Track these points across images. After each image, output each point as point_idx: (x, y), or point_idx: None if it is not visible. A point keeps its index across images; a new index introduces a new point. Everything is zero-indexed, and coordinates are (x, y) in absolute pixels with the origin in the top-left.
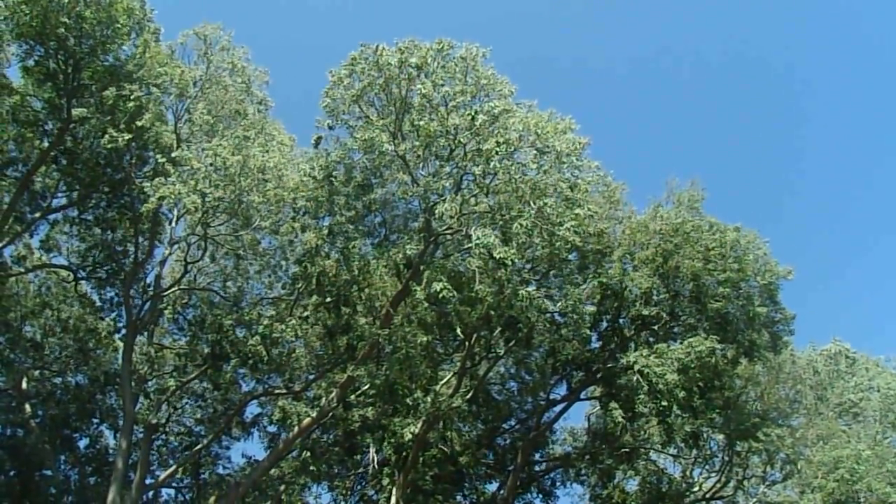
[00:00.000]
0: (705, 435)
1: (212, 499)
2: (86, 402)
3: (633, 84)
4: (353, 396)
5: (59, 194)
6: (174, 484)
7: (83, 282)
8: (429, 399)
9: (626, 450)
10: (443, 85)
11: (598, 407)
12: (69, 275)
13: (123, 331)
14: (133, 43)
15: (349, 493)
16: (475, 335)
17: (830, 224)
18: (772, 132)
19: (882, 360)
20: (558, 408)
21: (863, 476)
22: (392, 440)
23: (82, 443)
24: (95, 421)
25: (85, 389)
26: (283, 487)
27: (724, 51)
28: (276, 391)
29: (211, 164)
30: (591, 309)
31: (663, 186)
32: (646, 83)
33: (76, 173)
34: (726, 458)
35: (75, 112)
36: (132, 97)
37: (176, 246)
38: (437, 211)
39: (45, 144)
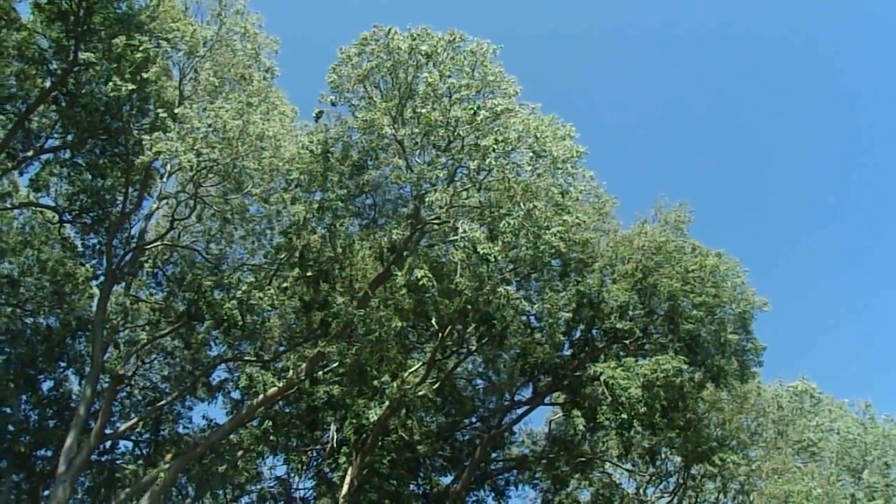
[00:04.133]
0: (663, 454)
1: (168, 456)
2: (55, 345)
3: (640, 102)
4: (320, 372)
5: (55, 135)
6: (133, 437)
7: (67, 225)
8: (395, 385)
9: (583, 459)
10: (449, 76)
11: (561, 413)
12: (54, 216)
13: (101, 278)
14: None
15: (305, 467)
16: (449, 328)
17: (822, 267)
18: (767, 168)
19: (846, 403)
20: (521, 410)
21: None
22: (354, 421)
23: (46, 385)
24: (62, 365)
25: (56, 332)
26: (240, 454)
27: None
28: (246, 358)
29: (210, 126)
30: (567, 316)
31: (653, 203)
32: (655, 102)
33: (74, 116)
34: (681, 480)
35: (82, 55)
36: (141, 48)
37: (164, 201)
38: (427, 199)
39: (48, 84)
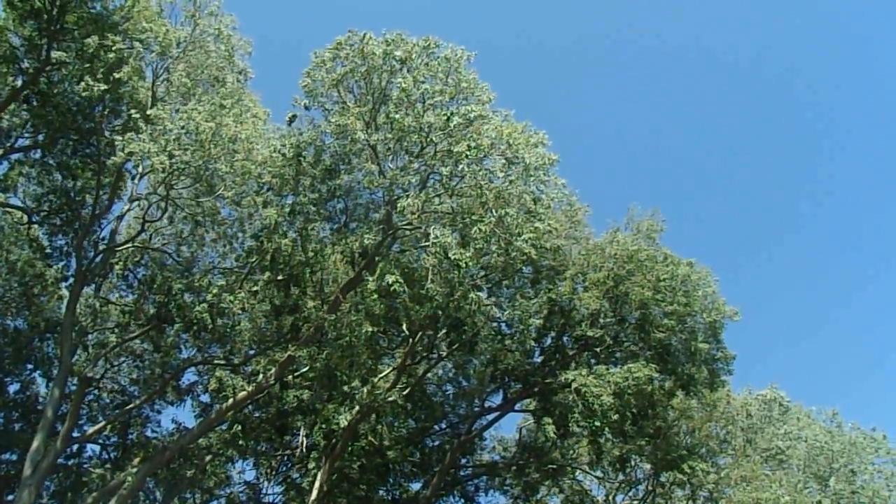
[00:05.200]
0: (632, 461)
1: (136, 460)
2: (22, 347)
3: (613, 111)
4: (290, 377)
5: (25, 135)
6: (100, 440)
7: (36, 226)
8: (365, 390)
9: (553, 466)
10: (423, 82)
11: (531, 420)
12: (23, 217)
13: (71, 280)
14: None
15: (274, 472)
16: (420, 333)
17: (791, 276)
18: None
19: (813, 411)
20: (491, 416)
21: None
22: (324, 426)
23: (12, 387)
24: (29, 367)
25: (23, 334)
26: (209, 458)
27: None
28: (216, 361)
29: (183, 128)
30: (538, 323)
31: (625, 212)
32: (628, 112)
33: (46, 116)
34: (650, 488)
35: (54, 54)
36: (114, 48)
37: (136, 203)
38: (399, 205)
39: (19, 83)
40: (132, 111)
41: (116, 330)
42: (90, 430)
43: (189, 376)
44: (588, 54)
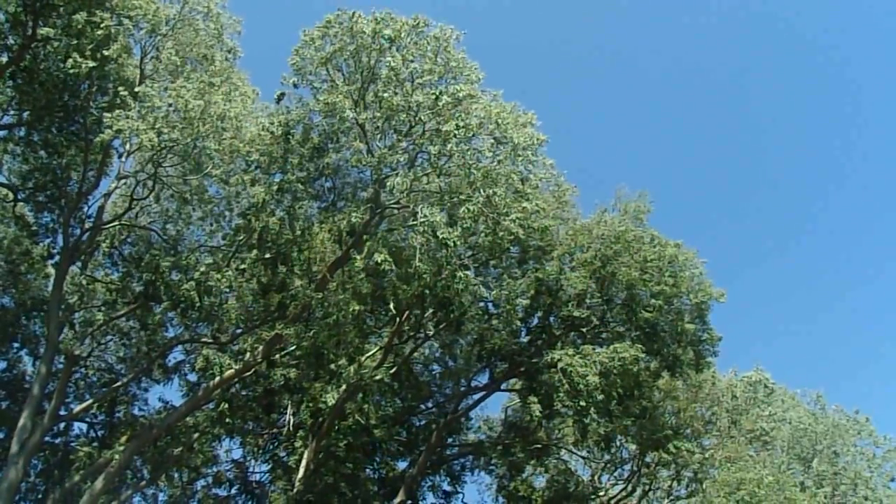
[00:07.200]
0: (618, 441)
1: (123, 438)
2: (9, 325)
3: (607, 92)
4: (277, 355)
5: (10, 112)
6: (87, 419)
7: (22, 203)
8: (352, 369)
9: (539, 446)
10: (412, 61)
11: (517, 400)
12: (8, 194)
13: (58, 258)
14: None
15: (261, 451)
16: (407, 312)
17: (785, 260)
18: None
19: (798, 393)
20: (477, 395)
21: (761, 500)
22: (310, 404)
23: None
24: (16, 345)
25: (10, 312)
26: (196, 436)
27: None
28: (203, 340)
29: (171, 105)
30: (525, 303)
31: (613, 193)
32: (622, 92)
33: (31, 93)
34: (635, 468)
35: (40, 31)
36: (102, 25)
37: (123, 181)
38: (387, 184)
39: (4, 59)
40: (120, 88)
41: (103, 308)
42: (77, 408)
43: (176, 354)
44: (576, 33)
